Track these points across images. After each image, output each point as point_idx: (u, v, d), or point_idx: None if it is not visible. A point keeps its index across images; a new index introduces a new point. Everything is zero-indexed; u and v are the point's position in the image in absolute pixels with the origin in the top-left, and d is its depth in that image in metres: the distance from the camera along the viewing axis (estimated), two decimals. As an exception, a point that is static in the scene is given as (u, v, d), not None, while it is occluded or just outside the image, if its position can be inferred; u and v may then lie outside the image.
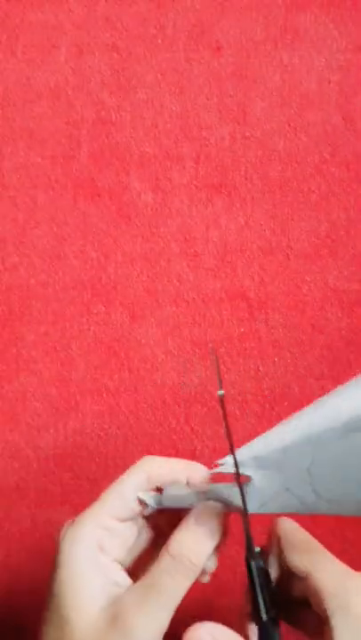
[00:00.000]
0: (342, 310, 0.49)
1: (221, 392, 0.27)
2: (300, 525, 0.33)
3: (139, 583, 0.27)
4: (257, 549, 0.29)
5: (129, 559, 0.31)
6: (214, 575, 0.48)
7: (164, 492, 0.30)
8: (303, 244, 0.49)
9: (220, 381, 0.29)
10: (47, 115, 0.48)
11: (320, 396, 0.48)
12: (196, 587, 0.49)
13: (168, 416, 0.48)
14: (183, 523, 0.29)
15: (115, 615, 0.26)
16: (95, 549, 0.28)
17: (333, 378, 0.48)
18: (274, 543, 0.31)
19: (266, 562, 0.30)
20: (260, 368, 0.48)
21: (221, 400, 0.27)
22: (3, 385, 0.48)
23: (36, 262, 0.48)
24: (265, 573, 0.29)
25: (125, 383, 0.48)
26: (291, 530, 0.30)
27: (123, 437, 0.48)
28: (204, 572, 0.29)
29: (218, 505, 0.29)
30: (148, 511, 0.30)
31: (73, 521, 0.29)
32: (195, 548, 0.28)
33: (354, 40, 0.49)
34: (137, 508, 0.30)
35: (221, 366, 0.48)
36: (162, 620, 0.26)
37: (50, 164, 0.48)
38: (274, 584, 0.30)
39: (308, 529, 0.48)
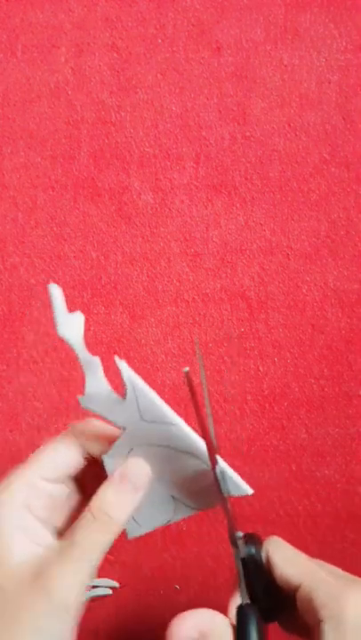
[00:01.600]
0: (342, 310, 0.49)
1: (186, 369, 0.28)
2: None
3: (60, 541, 0.28)
4: (239, 534, 0.30)
5: (59, 520, 0.31)
6: (214, 575, 0.48)
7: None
8: (303, 244, 0.49)
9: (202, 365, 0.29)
10: (47, 115, 0.48)
11: (320, 395, 0.48)
12: (197, 586, 0.49)
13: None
14: (107, 479, 0.29)
15: (37, 572, 0.26)
16: (21, 507, 0.28)
17: (333, 378, 0.48)
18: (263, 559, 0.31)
19: (258, 549, 0.30)
20: (260, 368, 0.48)
21: (187, 376, 0.27)
22: (3, 385, 0.48)
23: (36, 262, 0.48)
24: (254, 560, 0.29)
25: (125, 383, 0.48)
26: (280, 545, 0.30)
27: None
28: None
29: (144, 464, 0.29)
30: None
31: (5, 481, 0.29)
32: (115, 503, 0.28)
33: (354, 40, 0.49)
34: (66, 469, 0.30)
35: (221, 366, 0.48)
36: (82, 575, 0.26)
37: (50, 164, 0.48)
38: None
39: (308, 529, 0.49)
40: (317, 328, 0.49)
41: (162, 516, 0.30)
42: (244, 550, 0.29)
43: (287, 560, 0.29)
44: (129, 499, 0.28)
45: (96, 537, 0.27)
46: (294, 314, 0.48)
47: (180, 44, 0.49)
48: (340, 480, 0.48)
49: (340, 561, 0.50)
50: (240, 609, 0.28)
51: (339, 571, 0.30)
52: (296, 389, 0.48)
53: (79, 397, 0.30)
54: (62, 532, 0.30)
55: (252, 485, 0.30)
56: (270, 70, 0.49)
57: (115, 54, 0.49)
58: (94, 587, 0.47)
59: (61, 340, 0.51)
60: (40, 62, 0.49)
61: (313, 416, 0.48)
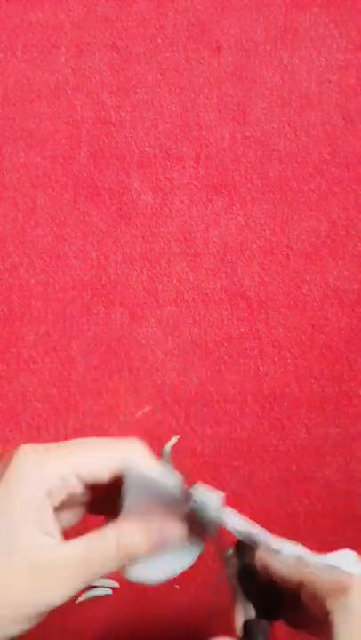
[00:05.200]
0: (342, 310, 0.49)
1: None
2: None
3: (77, 550, 0.27)
4: (229, 552, 0.30)
5: (66, 516, 0.30)
6: (214, 575, 0.48)
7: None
8: (303, 244, 0.49)
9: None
10: (47, 115, 0.48)
11: (320, 395, 0.48)
12: (197, 586, 0.49)
13: (168, 416, 0.48)
14: (146, 522, 0.28)
15: (40, 567, 0.26)
16: (44, 491, 0.27)
17: (333, 378, 0.48)
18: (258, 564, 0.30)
19: (252, 554, 0.30)
20: (260, 368, 0.48)
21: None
22: (3, 385, 0.48)
23: (36, 262, 0.48)
24: (249, 568, 0.29)
25: (125, 383, 0.48)
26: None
27: (123, 437, 0.48)
28: None
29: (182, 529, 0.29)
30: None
31: (39, 449, 0.28)
32: (144, 552, 0.28)
33: (354, 40, 0.49)
34: (101, 477, 0.29)
35: (221, 366, 0.48)
36: (76, 588, 0.27)
37: (50, 163, 0.48)
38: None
39: (308, 529, 0.49)
40: (317, 328, 0.49)
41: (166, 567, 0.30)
42: (236, 564, 0.29)
43: (282, 560, 0.29)
44: (153, 551, 0.28)
45: (109, 566, 0.27)
46: (294, 314, 0.48)
47: (180, 43, 0.49)
48: (341, 480, 0.48)
49: (340, 561, 0.50)
50: (246, 626, 0.28)
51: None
52: (296, 389, 0.48)
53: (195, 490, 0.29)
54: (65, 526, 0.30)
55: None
56: (270, 70, 0.49)
57: (115, 54, 0.49)
58: (94, 587, 0.47)
59: (61, 340, 0.51)
60: (40, 62, 0.49)
61: (313, 416, 0.48)
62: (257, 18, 0.49)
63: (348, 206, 0.49)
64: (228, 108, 0.49)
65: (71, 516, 0.31)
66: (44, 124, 0.48)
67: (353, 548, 0.49)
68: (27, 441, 0.49)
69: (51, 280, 0.48)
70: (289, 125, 0.49)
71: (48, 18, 0.49)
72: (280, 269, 0.49)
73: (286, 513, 0.48)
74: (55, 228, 0.48)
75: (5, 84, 0.49)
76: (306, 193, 0.49)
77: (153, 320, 0.48)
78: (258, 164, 0.49)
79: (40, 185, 0.48)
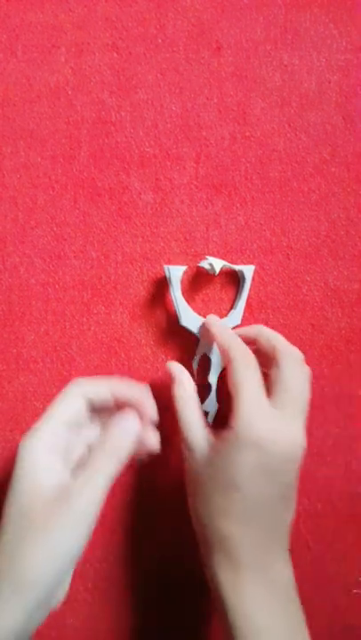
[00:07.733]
0: (342, 310, 0.49)
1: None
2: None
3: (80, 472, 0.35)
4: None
5: (77, 454, 0.40)
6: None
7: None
8: (303, 244, 0.49)
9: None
10: (47, 115, 0.48)
11: (320, 395, 0.48)
12: (200, 576, 0.49)
13: (168, 416, 0.48)
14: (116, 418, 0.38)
15: (61, 492, 0.34)
16: (46, 447, 0.37)
17: (333, 378, 0.48)
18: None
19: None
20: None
21: None
22: (3, 385, 0.48)
23: (36, 262, 0.48)
24: None
25: (125, 383, 0.48)
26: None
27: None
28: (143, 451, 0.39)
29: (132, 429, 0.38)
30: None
31: (31, 429, 0.37)
32: (118, 437, 0.37)
33: (354, 40, 0.49)
34: (76, 416, 0.39)
35: (221, 366, 0.48)
36: (97, 489, 0.34)
37: (50, 163, 0.48)
38: None
39: (308, 529, 0.49)
40: (317, 328, 0.49)
41: None
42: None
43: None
44: (131, 434, 0.38)
45: (107, 460, 0.36)
46: (294, 314, 0.48)
47: (180, 43, 0.49)
48: (341, 480, 0.48)
49: (340, 561, 0.50)
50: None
51: None
52: (296, 389, 0.48)
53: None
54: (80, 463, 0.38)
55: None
56: (270, 70, 0.49)
57: (115, 54, 0.49)
58: None
59: (61, 340, 0.51)
60: (40, 62, 0.49)
61: (313, 416, 0.48)
62: (257, 18, 0.49)
63: (348, 206, 0.49)
64: (228, 108, 0.49)
65: None
66: (44, 124, 0.48)
67: (353, 548, 0.49)
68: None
69: (51, 280, 0.48)
70: (289, 125, 0.49)
71: (48, 18, 0.49)
72: (280, 269, 0.49)
73: (286, 513, 0.48)
74: (55, 228, 0.48)
75: (5, 84, 0.49)
76: (306, 193, 0.49)
77: (153, 319, 0.48)
78: (258, 164, 0.49)
79: (40, 185, 0.48)
